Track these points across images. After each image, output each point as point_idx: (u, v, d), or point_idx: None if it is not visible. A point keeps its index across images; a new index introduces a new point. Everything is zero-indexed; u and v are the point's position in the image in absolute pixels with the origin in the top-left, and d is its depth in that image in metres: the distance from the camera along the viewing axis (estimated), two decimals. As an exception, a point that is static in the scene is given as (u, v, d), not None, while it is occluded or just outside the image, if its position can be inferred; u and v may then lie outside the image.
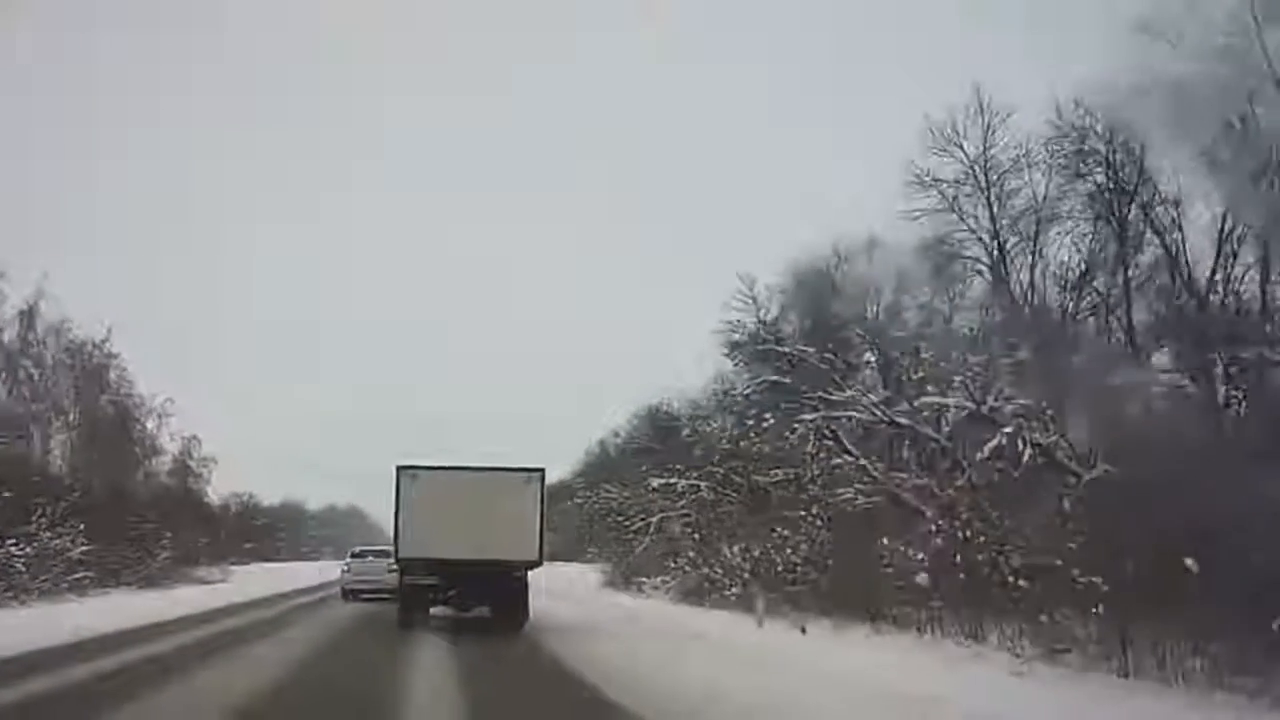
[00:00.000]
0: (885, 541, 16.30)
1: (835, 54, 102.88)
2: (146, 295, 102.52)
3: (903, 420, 18.57)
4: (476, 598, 17.95)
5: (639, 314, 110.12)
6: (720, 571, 24.46)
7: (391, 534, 17.83)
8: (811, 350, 20.36)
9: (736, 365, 31.38)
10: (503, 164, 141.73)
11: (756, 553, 22.75)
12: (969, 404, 13.50)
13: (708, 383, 32.00)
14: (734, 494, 30.65)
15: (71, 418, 48.34)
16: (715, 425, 31.56)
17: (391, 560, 18.59)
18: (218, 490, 67.53)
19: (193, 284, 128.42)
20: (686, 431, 35.75)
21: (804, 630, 16.69)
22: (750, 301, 24.90)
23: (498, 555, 16.53)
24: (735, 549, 23.77)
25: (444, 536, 16.58)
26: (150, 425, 54.77)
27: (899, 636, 15.04)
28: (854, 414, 19.22)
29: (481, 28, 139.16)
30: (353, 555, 32.71)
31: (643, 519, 35.23)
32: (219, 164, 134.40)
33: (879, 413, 18.74)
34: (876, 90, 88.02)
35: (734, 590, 23.34)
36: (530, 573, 17.77)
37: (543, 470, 15.63)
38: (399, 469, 17.34)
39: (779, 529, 21.74)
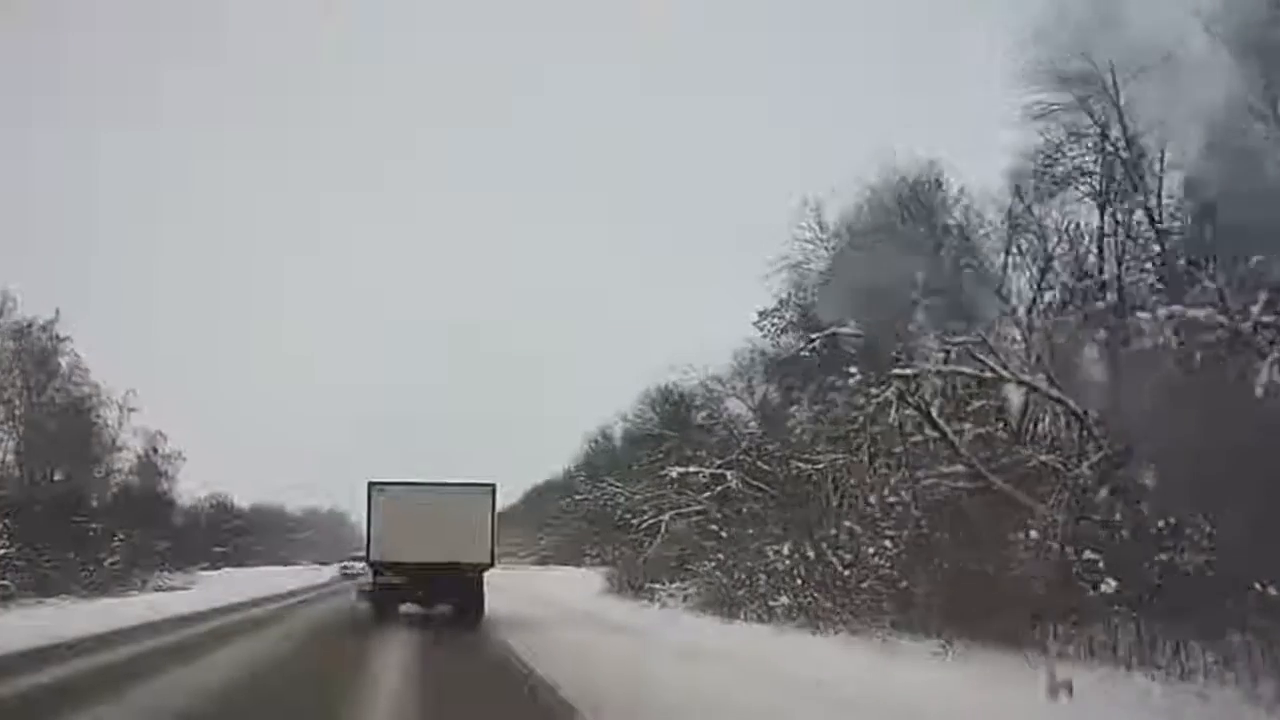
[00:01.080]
0: (1031, 535, 11.85)
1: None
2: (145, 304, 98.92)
3: (1025, 378, 14.21)
4: (439, 596, 19.90)
5: (644, 314, 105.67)
6: (764, 577, 20.04)
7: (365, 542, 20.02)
8: (921, 271, 15.85)
9: (766, 334, 26.97)
10: (504, 164, 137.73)
11: (811, 554, 18.35)
12: (1219, 319, 8.99)
13: (738, 353, 27.30)
14: (764, 485, 26.31)
15: (17, 407, 43.70)
16: (749, 402, 27.13)
17: None
18: (192, 492, 63.31)
19: (182, 290, 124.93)
20: (704, 414, 31.34)
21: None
22: (818, 234, 20.36)
23: (455, 559, 18.52)
24: (784, 549, 19.37)
25: (409, 543, 18.56)
26: (111, 419, 50.39)
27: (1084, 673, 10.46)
28: (966, 370, 14.87)
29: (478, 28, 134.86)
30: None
31: (654, 516, 30.80)
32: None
33: (999, 367, 14.34)
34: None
35: (782, 600, 18.97)
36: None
37: (494, 485, 17.43)
38: (370, 485, 19.57)
39: (847, 523, 17.33)
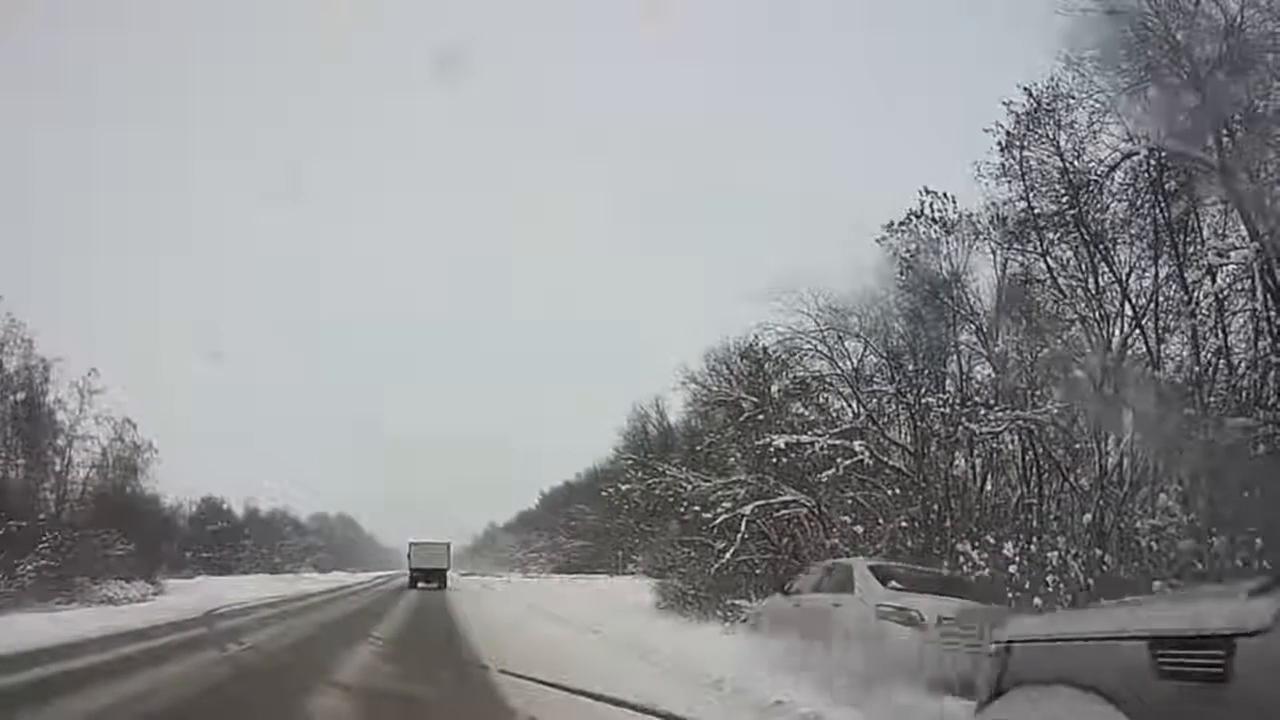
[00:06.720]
0: None
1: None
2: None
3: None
4: (429, 580, 50.55)
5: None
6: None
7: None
8: None
9: (901, 253, 18.84)
10: (504, 165, 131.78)
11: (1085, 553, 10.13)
12: None
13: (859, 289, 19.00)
14: (902, 467, 18.24)
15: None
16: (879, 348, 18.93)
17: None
18: (187, 493, 55.94)
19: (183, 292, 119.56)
20: (801, 372, 23.15)
21: None
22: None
23: (436, 566, 50.67)
24: (1059, 541, 11.14)
25: (420, 561, 51.42)
26: (70, 402, 42.55)
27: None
28: None
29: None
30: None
31: (732, 508, 22.63)
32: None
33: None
34: None
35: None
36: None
37: (449, 542, 47.69)
38: (410, 543, 54.75)
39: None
